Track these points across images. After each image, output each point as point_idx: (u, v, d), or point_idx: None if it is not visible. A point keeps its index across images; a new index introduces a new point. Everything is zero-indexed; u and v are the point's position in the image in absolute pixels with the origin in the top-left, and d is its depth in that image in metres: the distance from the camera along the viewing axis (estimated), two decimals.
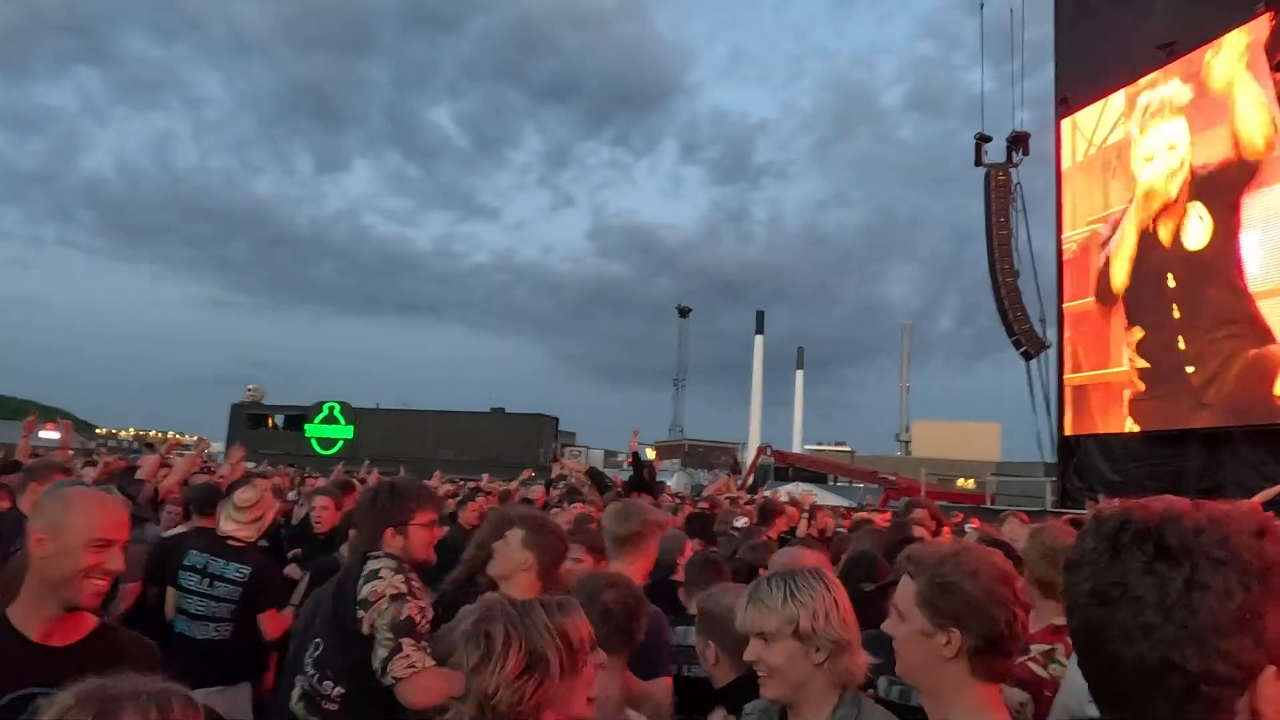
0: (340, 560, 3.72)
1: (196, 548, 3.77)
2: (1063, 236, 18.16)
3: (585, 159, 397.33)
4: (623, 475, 10.30)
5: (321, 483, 8.37)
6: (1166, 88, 15.54)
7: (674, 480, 31.80)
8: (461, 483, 12.67)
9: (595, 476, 8.46)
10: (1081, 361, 17.41)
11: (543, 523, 2.76)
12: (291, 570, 4.41)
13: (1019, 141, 20.48)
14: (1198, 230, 14.36)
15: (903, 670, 1.58)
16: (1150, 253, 15.43)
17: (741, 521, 6.32)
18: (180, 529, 4.57)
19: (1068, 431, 17.69)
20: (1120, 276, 16.10)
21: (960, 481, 30.15)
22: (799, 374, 64.96)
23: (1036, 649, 2.42)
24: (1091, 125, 17.54)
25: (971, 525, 8.06)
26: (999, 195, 20.08)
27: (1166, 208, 15.10)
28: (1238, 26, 14.02)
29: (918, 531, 4.02)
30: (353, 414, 42.25)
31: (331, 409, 42.44)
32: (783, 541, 4.76)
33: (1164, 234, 15.11)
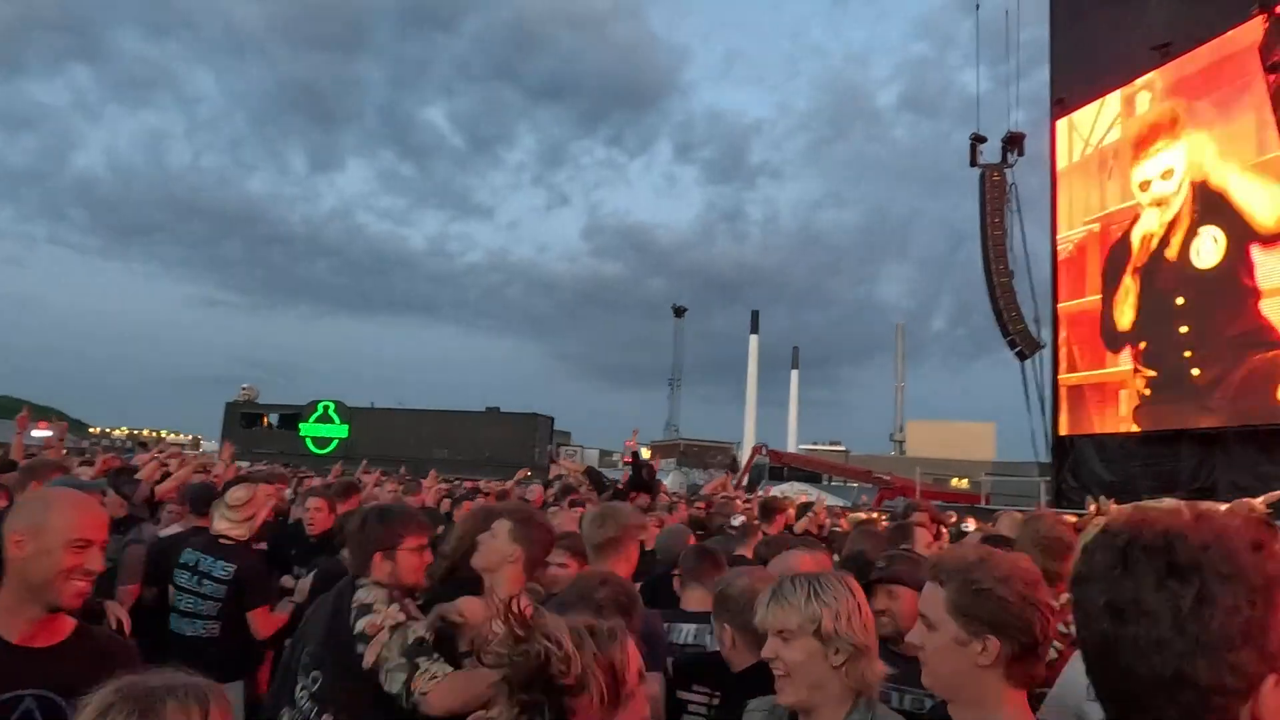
0: (344, 563, 3.71)
1: (192, 546, 3.81)
2: (1058, 237, 18.22)
3: (580, 158, 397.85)
4: (619, 475, 10.30)
5: (317, 483, 8.34)
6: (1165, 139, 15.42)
7: (669, 480, 31.76)
8: (457, 482, 12.67)
9: (593, 476, 8.48)
10: (1076, 362, 17.47)
11: (530, 515, 2.75)
12: (285, 580, 4.38)
13: (1014, 142, 20.52)
14: (1209, 250, 14.28)
15: (932, 681, 1.54)
16: (1156, 273, 15.36)
17: (739, 520, 6.32)
18: (175, 528, 4.55)
19: (1062, 431, 17.73)
20: (1126, 319, 16.04)
21: (955, 481, 30.19)
22: (794, 373, 65.23)
23: None
24: (1087, 126, 17.59)
25: (970, 525, 8.07)
26: (994, 195, 20.13)
27: (1174, 224, 15.06)
28: (1233, 27, 14.09)
29: (918, 533, 4.02)
30: (347, 413, 42.17)
31: (326, 408, 42.36)
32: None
33: (1171, 253, 15.06)
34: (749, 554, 4.69)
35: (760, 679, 1.98)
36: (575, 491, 7.50)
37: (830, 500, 19.55)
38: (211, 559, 3.70)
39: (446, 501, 7.78)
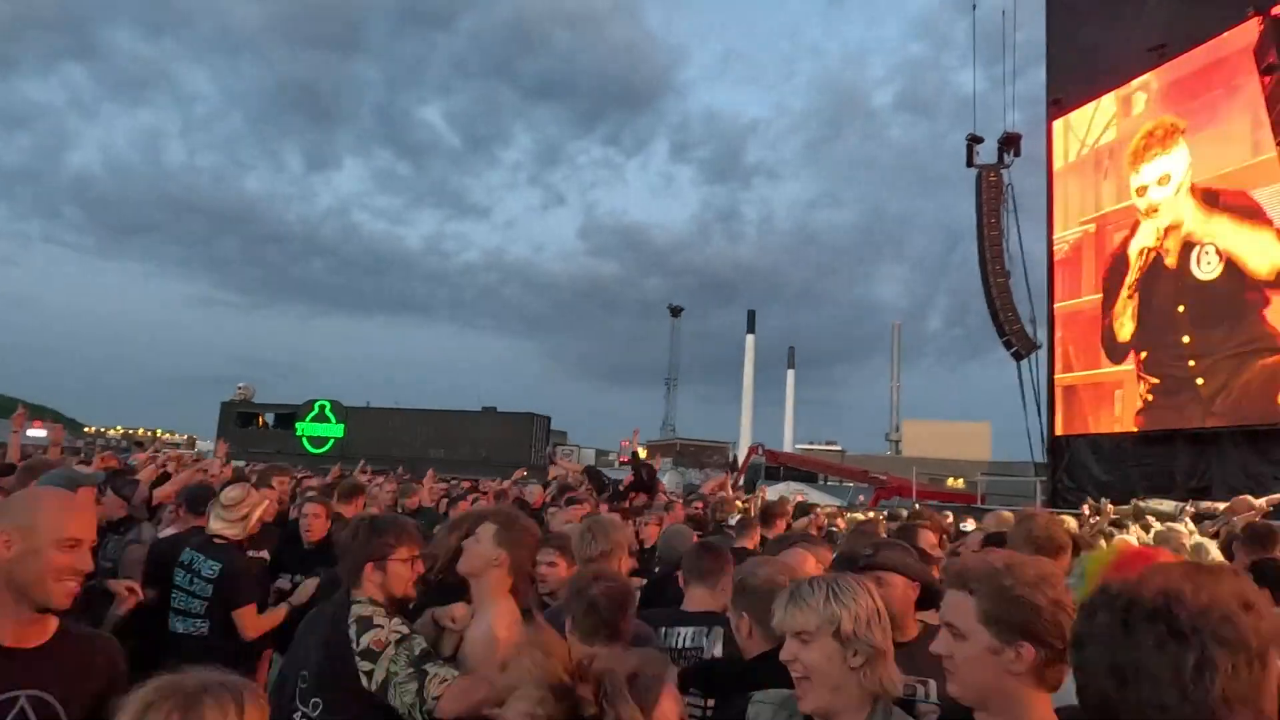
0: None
1: (190, 545, 3.85)
2: (1054, 237, 18.28)
3: (576, 158, 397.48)
4: (616, 475, 10.30)
5: (315, 482, 8.32)
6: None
7: (666, 479, 31.75)
8: (455, 481, 12.66)
9: (593, 475, 8.48)
10: (1072, 362, 17.53)
11: (515, 519, 2.72)
12: (281, 583, 4.37)
13: (1010, 142, 20.56)
14: (1210, 260, 14.28)
15: (961, 691, 1.51)
16: (1156, 283, 15.38)
17: (736, 519, 6.34)
18: (172, 529, 4.54)
19: (1058, 431, 17.80)
20: (1126, 330, 16.04)
21: (951, 481, 30.19)
22: (790, 373, 65.26)
23: None
24: (1084, 126, 17.65)
25: (969, 525, 8.08)
26: (990, 196, 20.16)
27: (1172, 231, 15.08)
28: (1228, 29, 14.15)
29: (922, 534, 4.02)
30: (343, 412, 42.04)
31: (322, 407, 42.23)
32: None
33: (1170, 261, 15.07)
34: (750, 545, 4.71)
35: (754, 679, 1.99)
36: (572, 490, 7.50)
37: (826, 500, 19.59)
38: (203, 558, 3.74)
39: (444, 501, 7.78)
